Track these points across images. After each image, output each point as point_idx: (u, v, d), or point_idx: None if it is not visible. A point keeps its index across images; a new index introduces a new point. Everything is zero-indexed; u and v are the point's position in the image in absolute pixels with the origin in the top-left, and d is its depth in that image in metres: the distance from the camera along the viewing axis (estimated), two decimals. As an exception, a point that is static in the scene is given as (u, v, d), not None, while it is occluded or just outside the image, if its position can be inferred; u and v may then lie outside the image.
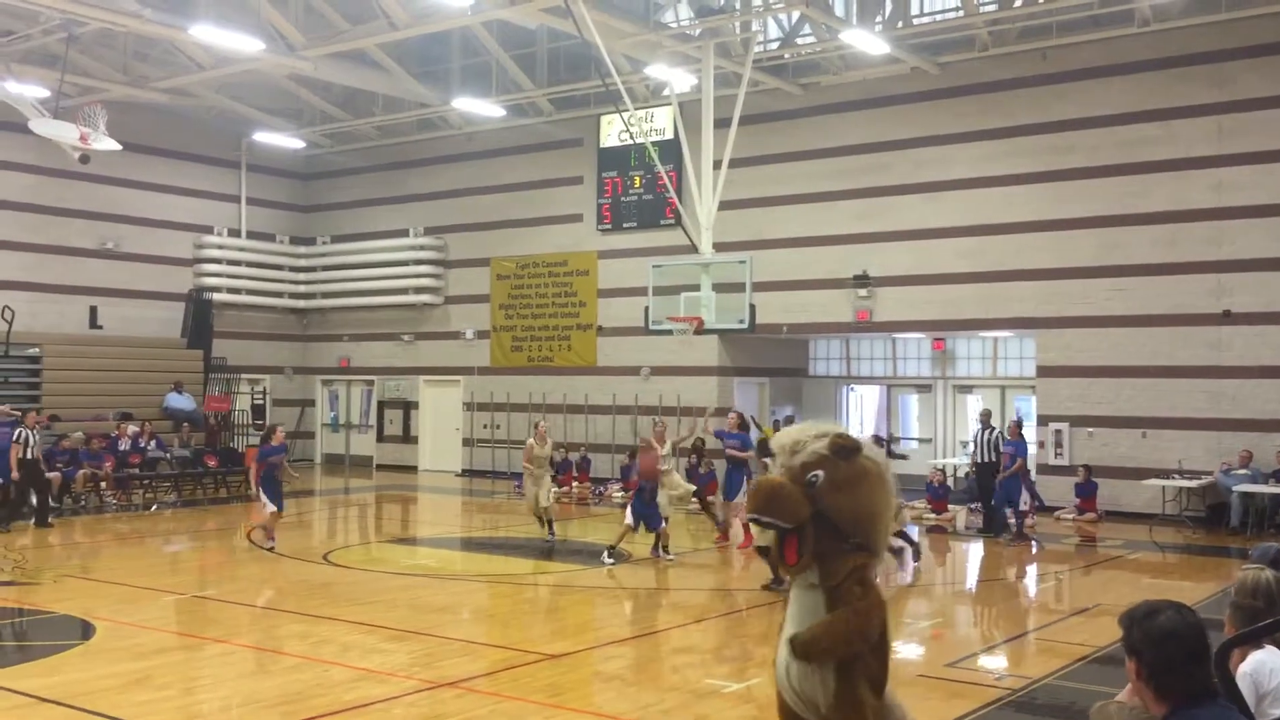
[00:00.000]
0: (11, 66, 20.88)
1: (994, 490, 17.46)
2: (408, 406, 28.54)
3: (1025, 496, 17.29)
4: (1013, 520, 17.26)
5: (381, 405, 28.96)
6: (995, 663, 10.03)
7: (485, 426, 26.88)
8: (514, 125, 25.51)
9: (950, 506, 19.69)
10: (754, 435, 23.50)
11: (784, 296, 21.98)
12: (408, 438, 28.59)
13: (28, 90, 20.74)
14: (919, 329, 22.48)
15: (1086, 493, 19.23)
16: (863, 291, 21.86)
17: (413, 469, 27.96)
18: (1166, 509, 18.61)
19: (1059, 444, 20.11)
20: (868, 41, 19.48)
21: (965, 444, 24.68)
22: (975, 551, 17.25)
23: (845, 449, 4.08)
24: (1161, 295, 19.19)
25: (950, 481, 21.47)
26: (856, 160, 21.99)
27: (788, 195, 22.61)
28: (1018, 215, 20.39)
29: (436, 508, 22.56)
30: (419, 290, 27.79)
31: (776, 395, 25.45)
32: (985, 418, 18.18)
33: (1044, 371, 20.60)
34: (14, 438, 17.38)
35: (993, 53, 20.51)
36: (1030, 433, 21.99)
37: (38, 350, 23.43)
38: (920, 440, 25.16)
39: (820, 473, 4.03)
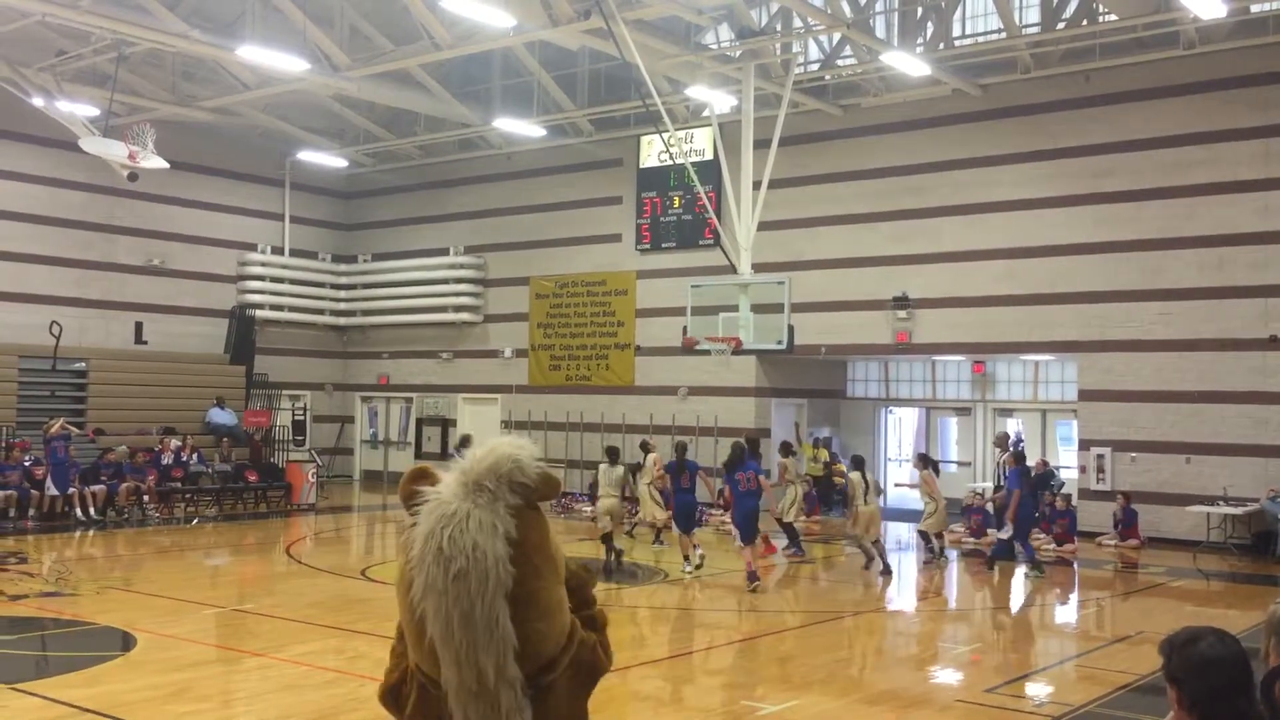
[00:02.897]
0: (63, 86, 21.27)
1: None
2: (446, 424, 28.67)
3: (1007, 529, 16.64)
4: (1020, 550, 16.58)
5: (420, 422, 29.11)
6: (1035, 690, 9.90)
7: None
8: (554, 145, 25.66)
9: (989, 530, 19.48)
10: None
11: (823, 318, 21.92)
12: (446, 455, 28.69)
13: (79, 109, 21.14)
14: (958, 351, 22.32)
15: (1128, 520, 18.97)
16: (902, 313, 21.75)
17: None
18: (1211, 536, 18.33)
19: (1101, 469, 19.87)
20: (909, 63, 19.45)
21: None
22: (1015, 576, 17.05)
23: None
24: (1206, 320, 18.95)
25: (989, 505, 21.24)
26: (896, 182, 21.93)
27: (827, 216, 22.57)
28: (1059, 238, 20.24)
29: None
30: (458, 308, 27.96)
31: (814, 417, 25.35)
32: (1002, 441, 18.00)
33: (1086, 395, 20.38)
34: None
35: (1035, 75, 20.40)
36: (1071, 457, 21.79)
37: (84, 365, 23.78)
38: (959, 464, 24.96)
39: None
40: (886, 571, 15.70)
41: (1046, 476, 20.87)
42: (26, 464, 19.87)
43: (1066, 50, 20.11)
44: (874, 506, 16.22)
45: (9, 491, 19.22)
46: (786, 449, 18.27)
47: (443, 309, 28.10)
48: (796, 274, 20.57)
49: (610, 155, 25.52)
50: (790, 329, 18.54)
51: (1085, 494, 20.03)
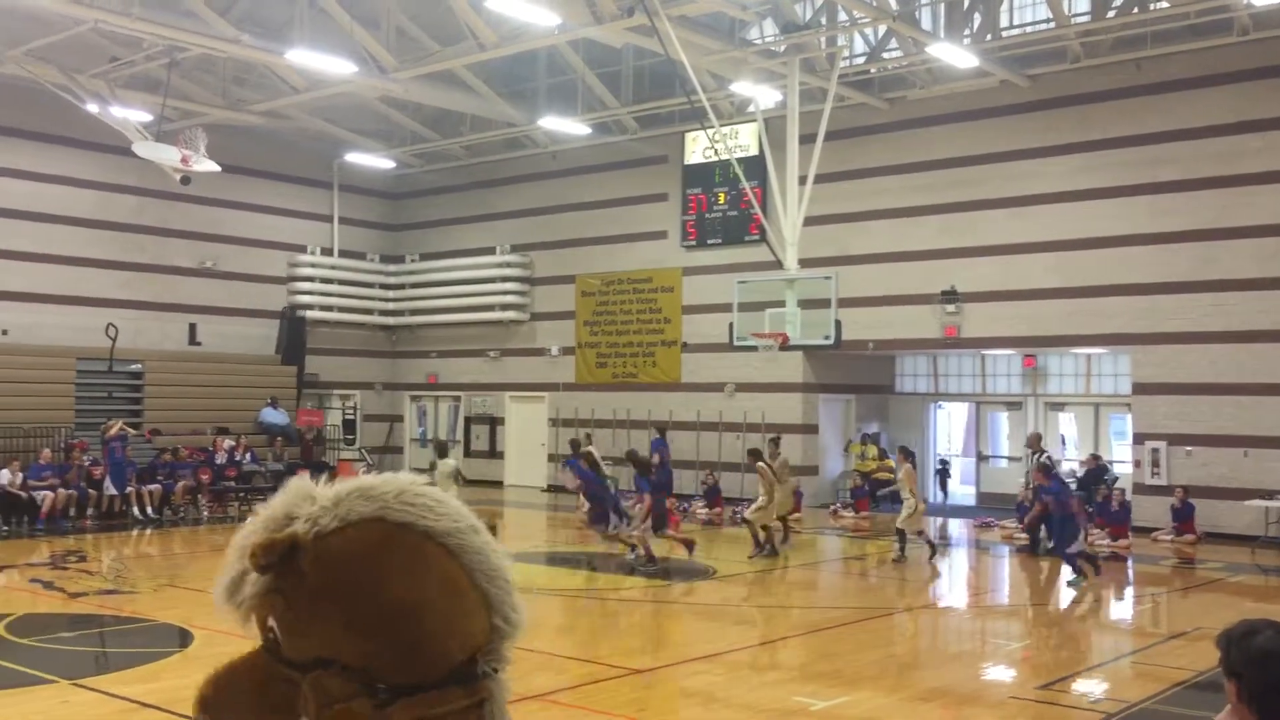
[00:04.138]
0: (116, 92, 21.62)
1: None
2: (494, 422, 28.82)
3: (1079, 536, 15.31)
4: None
5: (468, 421, 29.29)
6: (1090, 686, 9.79)
7: (571, 442, 26.98)
8: (599, 143, 25.71)
9: (1042, 526, 19.24)
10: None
11: (870, 312, 21.78)
12: (494, 453, 28.87)
13: (132, 114, 21.48)
14: (1008, 345, 22.10)
15: (1184, 515, 18.69)
16: (950, 307, 21.57)
17: (498, 484, 28.22)
18: (1270, 531, 18.00)
19: (1156, 463, 19.59)
20: (956, 55, 19.27)
21: (1057, 462, 24.22)
22: (1068, 572, 16.84)
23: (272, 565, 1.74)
24: (1263, 310, 18.61)
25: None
26: (944, 175, 21.74)
27: (874, 210, 22.43)
28: (1110, 229, 19.97)
29: (522, 522, 22.72)
30: (505, 307, 28.10)
31: (863, 412, 25.21)
32: (1034, 442, 17.76)
33: (1140, 389, 20.10)
34: None
35: (1085, 64, 20.14)
36: (1125, 451, 21.50)
37: (140, 366, 24.17)
38: (1010, 459, 24.70)
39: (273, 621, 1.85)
40: (899, 560, 15.94)
41: (1099, 472, 20.61)
42: (85, 464, 20.24)
43: (1117, 39, 19.83)
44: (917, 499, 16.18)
45: (69, 491, 19.59)
46: (755, 455, 17.13)
47: (490, 308, 28.25)
48: (843, 269, 20.48)
49: (655, 152, 25.53)
50: (838, 324, 18.49)
51: (1140, 489, 19.75)
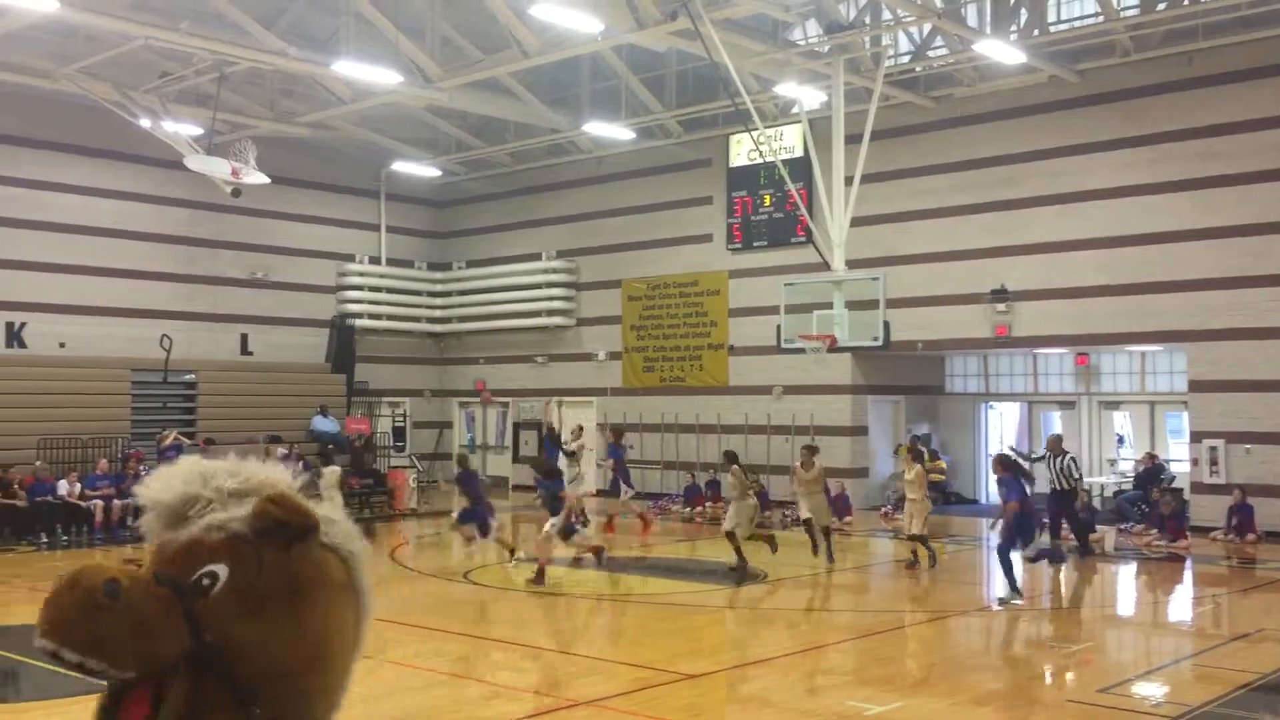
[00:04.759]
0: (168, 106, 21.96)
1: (1074, 518, 16.90)
2: (542, 428, 28.87)
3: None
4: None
5: (517, 426, 29.40)
6: (1151, 689, 9.63)
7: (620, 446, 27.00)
8: (643, 148, 25.73)
9: (1098, 527, 19.00)
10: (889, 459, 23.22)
11: (919, 313, 21.61)
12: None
13: (183, 129, 21.80)
14: (1060, 344, 21.83)
15: (1244, 515, 18.34)
16: (1001, 306, 21.34)
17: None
18: (1333, 530, 17.63)
19: (1214, 461, 19.24)
20: (1003, 51, 19.08)
21: (1112, 461, 23.89)
22: (1125, 574, 16.62)
23: (281, 526, 1.74)
24: (1323, 305, 18.25)
25: (1097, 501, 20.75)
26: (992, 172, 21.53)
27: (921, 210, 22.25)
28: (1163, 225, 19.67)
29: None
30: (551, 313, 28.19)
31: (912, 413, 25.01)
32: (1056, 444, 17.36)
33: (1196, 386, 19.77)
34: None
35: (1135, 58, 19.86)
36: (1182, 450, 21.15)
37: (193, 376, 24.50)
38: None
39: (222, 569, 1.72)
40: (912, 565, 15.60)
41: (1156, 471, 20.28)
42: (142, 474, 20.52)
43: (1167, 32, 19.53)
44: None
45: (125, 501, 19.88)
46: (731, 458, 16.42)
47: (536, 313, 28.35)
48: (891, 269, 20.34)
49: (699, 155, 25.50)
50: (886, 325, 18.36)
51: (1197, 488, 19.42)
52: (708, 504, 23.14)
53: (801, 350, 19.49)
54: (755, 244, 24.67)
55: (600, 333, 27.62)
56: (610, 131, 24.42)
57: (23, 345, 22.74)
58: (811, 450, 17.02)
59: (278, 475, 1.75)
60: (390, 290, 29.50)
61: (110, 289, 24.26)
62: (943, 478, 23.84)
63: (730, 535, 15.34)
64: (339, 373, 27.15)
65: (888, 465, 24.24)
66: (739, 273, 24.91)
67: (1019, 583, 13.37)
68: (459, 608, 13.27)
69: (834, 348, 18.70)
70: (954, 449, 25.30)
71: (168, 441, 20.68)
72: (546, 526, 14.99)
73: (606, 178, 27.33)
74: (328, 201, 28.24)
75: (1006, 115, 21.46)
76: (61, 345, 23.05)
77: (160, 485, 1.71)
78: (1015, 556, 13.46)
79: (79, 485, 19.37)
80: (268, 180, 20.40)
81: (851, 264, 18.87)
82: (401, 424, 28.55)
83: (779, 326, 19.61)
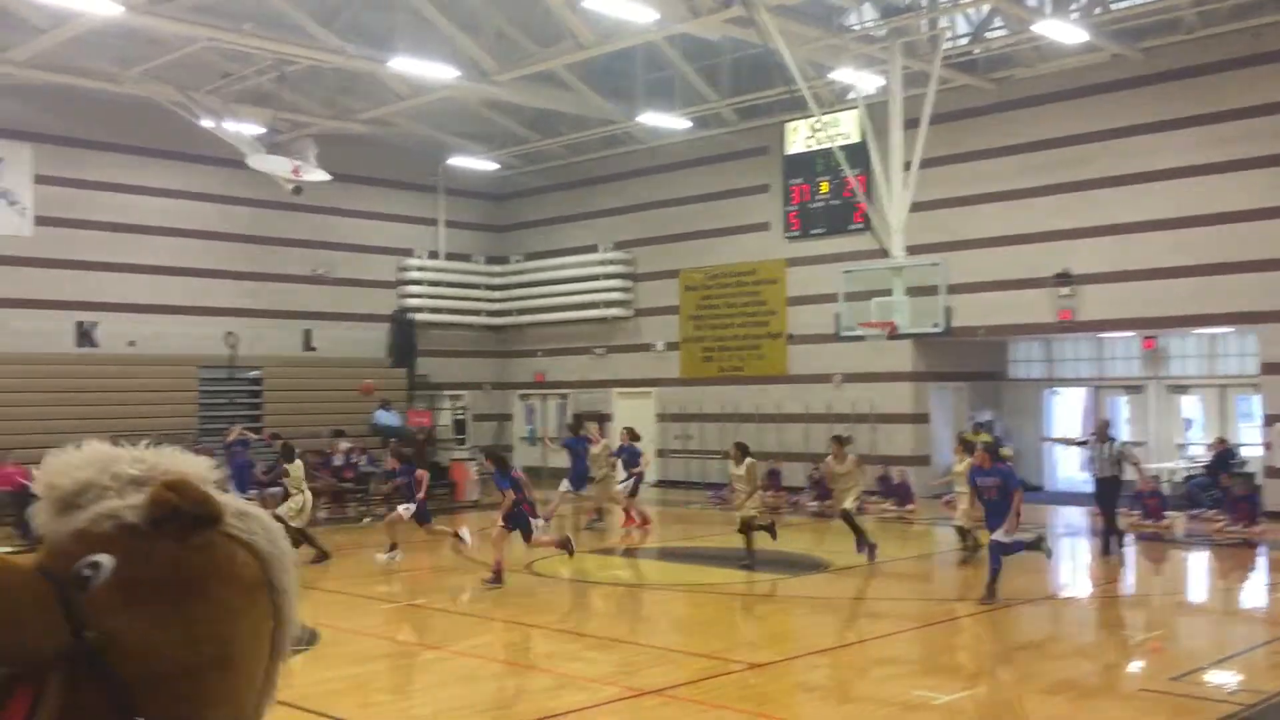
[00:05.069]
0: (229, 107, 22.30)
1: (1111, 508, 15.78)
2: (601, 419, 28.97)
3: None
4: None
5: (577, 418, 29.46)
6: (1224, 677, 9.45)
7: (677, 437, 27.06)
8: (699, 137, 25.66)
9: (1167, 514, 18.67)
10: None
11: (981, 298, 21.35)
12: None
13: (245, 128, 22.13)
14: (1127, 327, 21.46)
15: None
16: (1065, 290, 21.01)
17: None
18: None
19: (1288, 445, 18.82)
20: (1064, 31, 18.76)
21: (1181, 446, 23.45)
22: (1195, 561, 16.32)
23: (177, 514, 1.48)
24: (1401, 283, 17.75)
25: (1166, 487, 20.37)
26: (1054, 154, 21.19)
27: (982, 194, 21.97)
28: (1232, 204, 19.23)
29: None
30: (609, 304, 28.25)
31: (975, 400, 24.72)
32: (1103, 429, 16.54)
33: (1269, 368, 19.33)
34: None
35: (1200, 34, 19.43)
36: (1254, 434, 20.71)
37: (259, 372, 24.88)
38: (1132, 444, 23.94)
39: (107, 560, 1.47)
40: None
41: (1226, 455, 19.88)
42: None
43: (1234, 6, 19.07)
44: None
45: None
46: (744, 450, 15.69)
47: (594, 305, 28.43)
48: (952, 254, 20.12)
49: (755, 144, 25.39)
50: (947, 311, 18.19)
51: (1271, 472, 19.02)
52: (768, 493, 23.04)
53: (861, 338, 19.36)
54: (813, 232, 24.51)
55: (658, 323, 27.62)
56: (665, 121, 24.38)
57: (94, 344, 23.24)
58: (841, 441, 16.11)
59: (192, 463, 1.55)
60: (449, 284, 29.74)
61: (176, 288, 24.70)
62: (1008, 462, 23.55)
63: (747, 525, 14.83)
64: (400, 367, 27.42)
65: (950, 453, 23.98)
66: (797, 261, 24.77)
67: (998, 581, 12.23)
68: (523, 598, 13.36)
69: (894, 335, 18.55)
70: (1018, 436, 24.97)
71: (232, 436, 21.03)
72: (499, 524, 14.03)
73: (662, 168, 27.30)
74: (387, 197, 28.52)
75: (1069, 96, 21.11)
76: (131, 344, 23.51)
77: (55, 471, 1.52)
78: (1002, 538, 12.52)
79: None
80: (328, 177, 20.66)
81: (911, 250, 18.69)
82: (462, 417, 28.77)
83: (838, 314, 19.49)
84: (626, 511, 19.65)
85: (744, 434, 25.11)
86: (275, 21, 19.39)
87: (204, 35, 18.87)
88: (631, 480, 19.76)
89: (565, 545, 14.23)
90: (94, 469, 1.49)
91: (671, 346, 27.34)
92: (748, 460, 15.17)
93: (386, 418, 25.49)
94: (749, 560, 14.68)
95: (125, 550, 1.44)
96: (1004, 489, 12.46)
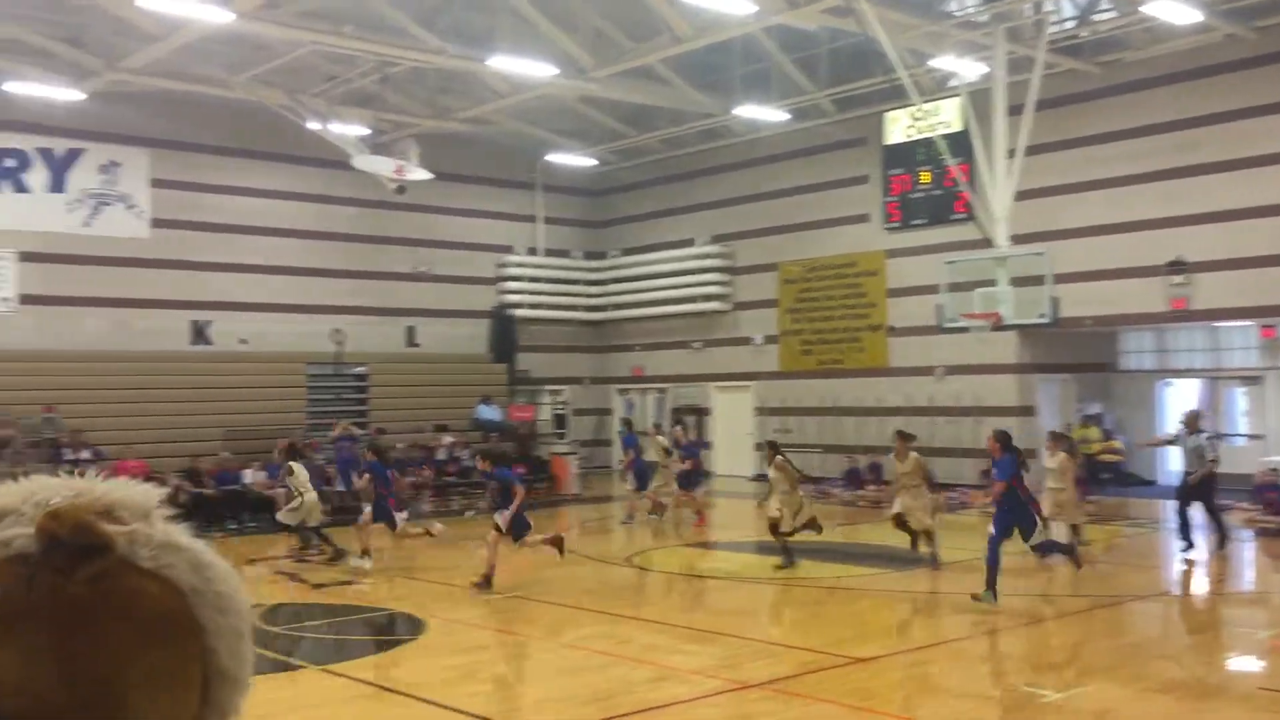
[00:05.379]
0: (334, 108, 22.80)
1: (1210, 502, 14.83)
2: (700, 413, 29.00)
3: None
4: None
5: (675, 412, 29.56)
6: (1352, 679, 9.09)
7: (776, 431, 26.91)
8: (796, 128, 25.47)
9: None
10: None
11: (1089, 287, 20.81)
12: (701, 443, 29.01)
13: (348, 129, 22.61)
14: (1243, 316, 20.73)
15: None
16: (1178, 278, 20.38)
17: (705, 474, 28.34)
18: None
19: None
20: (1175, 11, 18.18)
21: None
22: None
23: (60, 544, 1.29)
24: None
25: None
26: (1166, 139, 20.56)
27: (1089, 181, 21.42)
28: (1358, 186, 18.45)
29: (732, 512, 22.77)
30: (707, 298, 28.23)
31: (1083, 392, 24.13)
32: (1193, 421, 15.46)
33: (1396, 358, 18.51)
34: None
35: (1321, 10, 18.68)
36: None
37: (365, 369, 25.43)
38: (1250, 437, 23.17)
39: None
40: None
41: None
42: (319, 463, 21.42)
43: (1358, -20, 18.30)
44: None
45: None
46: (775, 448, 15.21)
47: (692, 299, 28.44)
48: (1058, 243, 19.69)
49: (854, 134, 25.11)
50: (1054, 301, 17.79)
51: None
52: (869, 487, 22.84)
53: (965, 329, 19.04)
54: (913, 222, 24.17)
55: (757, 316, 27.51)
56: (763, 114, 24.26)
57: (208, 342, 23.98)
58: (905, 438, 14.99)
59: (133, 492, 1.40)
60: (548, 280, 30.02)
61: (285, 286, 25.36)
62: (1119, 458, 23.00)
63: (775, 528, 14.22)
64: (500, 362, 27.76)
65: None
66: (897, 252, 24.46)
67: (997, 583, 11.55)
68: (623, 591, 13.45)
69: (999, 326, 18.21)
70: (1129, 429, 24.31)
71: (338, 432, 21.50)
72: (495, 525, 13.27)
73: (760, 160, 27.17)
74: (486, 195, 28.89)
75: (1180, 78, 20.46)
76: (243, 342, 24.19)
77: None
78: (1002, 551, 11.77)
79: (263, 474, 20.33)
80: (431, 176, 21.00)
81: (1016, 239, 18.33)
82: (562, 411, 29.03)
83: (940, 305, 19.20)
84: (697, 511, 19.75)
85: (844, 428, 24.96)
86: (377, 24, 19.77)
87: (309, 39, 19.33)
88: (690, 475, 19.81)
89: (557, 544, 13.59)
90: (18, 497, 1.37)
91: (770, 340, 27.22)
92: (777, 459, 14.53)
93: (488, 413, 25.83)
94: (787, 562, 14.14)
95: (8, 581, 1.31)
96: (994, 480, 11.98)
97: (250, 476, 20.16)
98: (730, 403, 28.20)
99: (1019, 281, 17.94)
